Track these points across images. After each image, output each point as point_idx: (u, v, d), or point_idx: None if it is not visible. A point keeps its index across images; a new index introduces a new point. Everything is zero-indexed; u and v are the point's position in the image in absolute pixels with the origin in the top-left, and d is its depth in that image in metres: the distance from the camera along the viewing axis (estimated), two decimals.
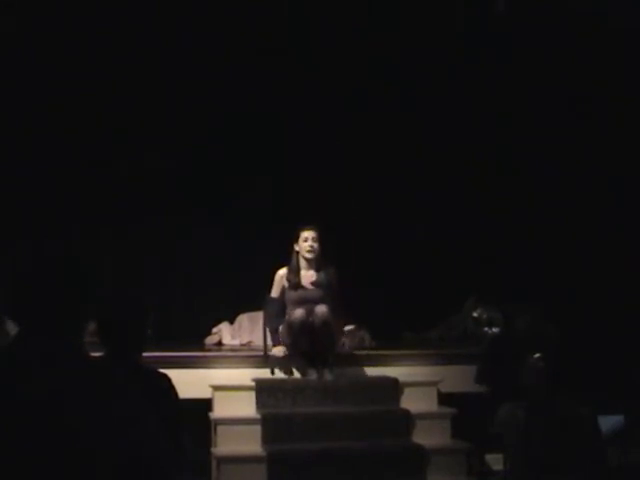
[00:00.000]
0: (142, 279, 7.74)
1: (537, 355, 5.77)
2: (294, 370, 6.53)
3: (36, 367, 2.02)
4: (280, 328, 6.57)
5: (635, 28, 7.94)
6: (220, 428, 6.08)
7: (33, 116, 7.69)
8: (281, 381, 6.48)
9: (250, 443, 5.99)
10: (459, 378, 6.69)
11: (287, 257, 6.62)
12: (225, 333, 7.86)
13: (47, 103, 7.73)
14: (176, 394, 3.46)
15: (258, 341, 7.27)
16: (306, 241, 6.54)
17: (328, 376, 6.40)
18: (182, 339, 7.58)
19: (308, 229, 6.55)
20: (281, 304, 6.60)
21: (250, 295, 7.40)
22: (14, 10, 7.50)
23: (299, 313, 6.37)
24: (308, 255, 6.54)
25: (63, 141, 7.83)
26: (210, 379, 6.37)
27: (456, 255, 8.24)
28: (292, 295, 6.55)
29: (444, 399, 6.57)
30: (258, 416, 6.14)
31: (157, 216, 8.04)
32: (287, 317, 6.49)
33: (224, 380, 6.43)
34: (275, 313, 6.62)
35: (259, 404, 6.25)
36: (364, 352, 7.11)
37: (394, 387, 6.48)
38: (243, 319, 7.89)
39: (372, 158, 8.30)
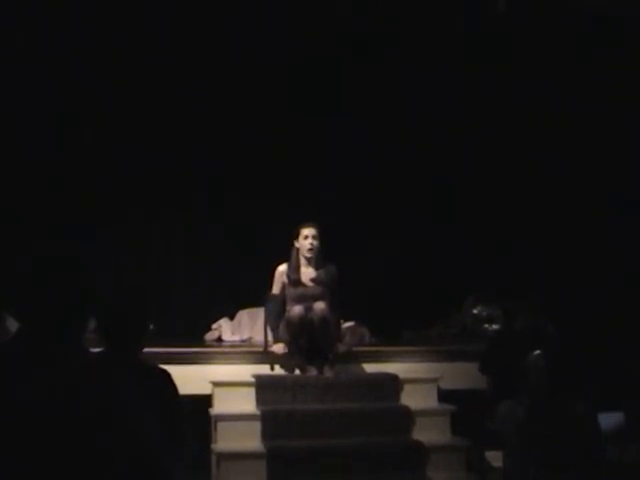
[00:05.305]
0: (142, 275, 7.77)
1: (537, 353, 5.77)
2: (294, 367, 6.55)
3: (36, 366, 2.02)
4: (280, 325, 6.59)
5: (635, 27, 7.96)
6: (220, 424, 6.08)
7: (32, 115, 7.70)
8: (281, 377, 6.48)
9: (250, 439, 5.99)
10: (459, 375, 6.71)
11: (287, 253, 6.63)
12: (225, 329, 7.88)
13: (47, 101, 7.75)
14: (176, 390, 3.44)
15: (258, 337, 7.29)
16: (306, 239, 6.55)
17: (328, 373, 6.41)
18: (182, 335, 7.61)
19: (308, 226, 6.56)
20: (282, 301, 6.59)
21: (250, 291, 7.42)
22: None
23: (298, 310, 6.38)
24: (308, 254, 6.55)
25: (63, 140, 7.85)
26: (210, 375, 6.37)
27: (456, 252, 8.26)
28: (291, 292, 6.55)
29: (444, 396, 6.58)
30: (258, 412, 6.13)
31: (158, 213, 8.07)
32: (286, 314, 6.50)
33: (224, 376, 6.43)
34: (276, 310, 6.61)
35: (259, 400, 6.25)
36: (364, 349, 7.14)
37: (394, 384, 6.49)
38: (243, 315, 7.91)
39: (372, 156, 8.32)
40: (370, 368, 6.76)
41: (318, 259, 6.57)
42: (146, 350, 3.52)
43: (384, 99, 8.33)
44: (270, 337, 6.67)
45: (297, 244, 6.59)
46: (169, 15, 7.91)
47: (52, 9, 7.63)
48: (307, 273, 6.59)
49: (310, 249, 6.52)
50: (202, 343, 7.57)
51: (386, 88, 8.34)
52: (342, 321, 7.09)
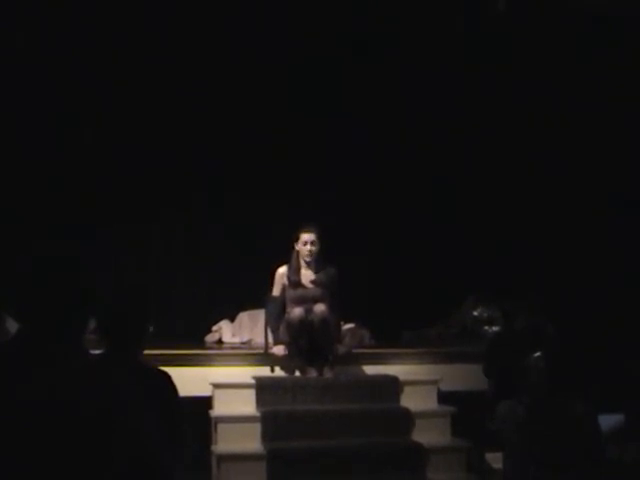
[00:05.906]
0: (142, 275, 7.76)
1: (537, 354, 5.76)
2: (294, 368, 6.54)
3: (36, 366, 2.01)
4: (280, 326, 6.59)
5: (635, 27, 7.95)
6: (220, 426, 6.08)
7: (32, 115, 7.69)
8: (281, 379, 6.49)
9: (250, 441, 5.99)
10: (459, 376, 6.71)
11: (287, 254, 6.63)
12: (225, 331, 7.88)
13: (47, 101, 7.74)
14: (176, 392, 3.43)
15: (258, 339, 7.30)
16: (305, 245, 6.55)
17: (328, 374, 6.42)
18: (182, 337, 7.60)
19: (308, 231, 6.55)
20: (282, 302, 6.61)
21: (250, 292, 7.41)
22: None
23: (298, 312, 6.39)
24: (307, 259, 6.57)
25: (63, 140, 7.85)
26: (210, 377, 6.37)
27: (456, 252, 8.26)
28: (292, 294, 6.56)
29: (444, 397, 6.58)
30: (258, 414, 6.14)
31: (158, 213, 8.06)
32: (286, 316, 6.51)
33: (224, 378, 6.43)
34: (276, 311, 6.63)
35: (259, 402, 6.25)
36: (364, 350, 7.13)
37: (394, 385, 6.49)
38: (243, 317, 7.91)
39: (372, 156, 8.32)
40: (370, 370, 6.77)
41: (318, 261, 6.58)
42: (146, 352, 3.51)
43: (384, 99, 8.33)
44: (270, 339, 6.68)
45: (297, 246, 6.59)
46: (169, 15, 7.91)
47: (52, 9, 7.62)
48: (307, 275, 6.60)
49: (309, 255, 6.54)
50: (202, 345, 7.57)
51: (386, 88, 8.34)
52: (342, 323, 7.09)
